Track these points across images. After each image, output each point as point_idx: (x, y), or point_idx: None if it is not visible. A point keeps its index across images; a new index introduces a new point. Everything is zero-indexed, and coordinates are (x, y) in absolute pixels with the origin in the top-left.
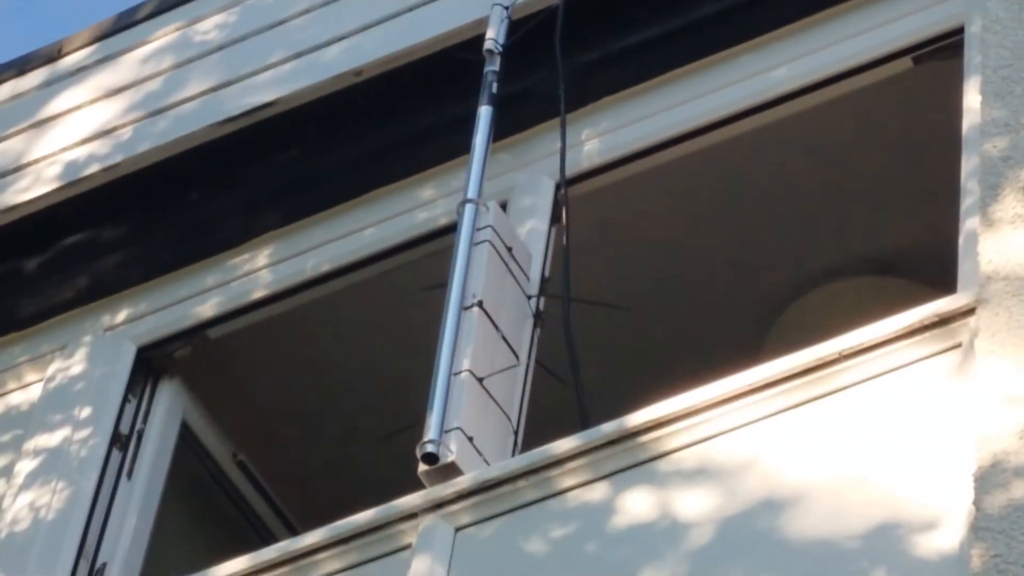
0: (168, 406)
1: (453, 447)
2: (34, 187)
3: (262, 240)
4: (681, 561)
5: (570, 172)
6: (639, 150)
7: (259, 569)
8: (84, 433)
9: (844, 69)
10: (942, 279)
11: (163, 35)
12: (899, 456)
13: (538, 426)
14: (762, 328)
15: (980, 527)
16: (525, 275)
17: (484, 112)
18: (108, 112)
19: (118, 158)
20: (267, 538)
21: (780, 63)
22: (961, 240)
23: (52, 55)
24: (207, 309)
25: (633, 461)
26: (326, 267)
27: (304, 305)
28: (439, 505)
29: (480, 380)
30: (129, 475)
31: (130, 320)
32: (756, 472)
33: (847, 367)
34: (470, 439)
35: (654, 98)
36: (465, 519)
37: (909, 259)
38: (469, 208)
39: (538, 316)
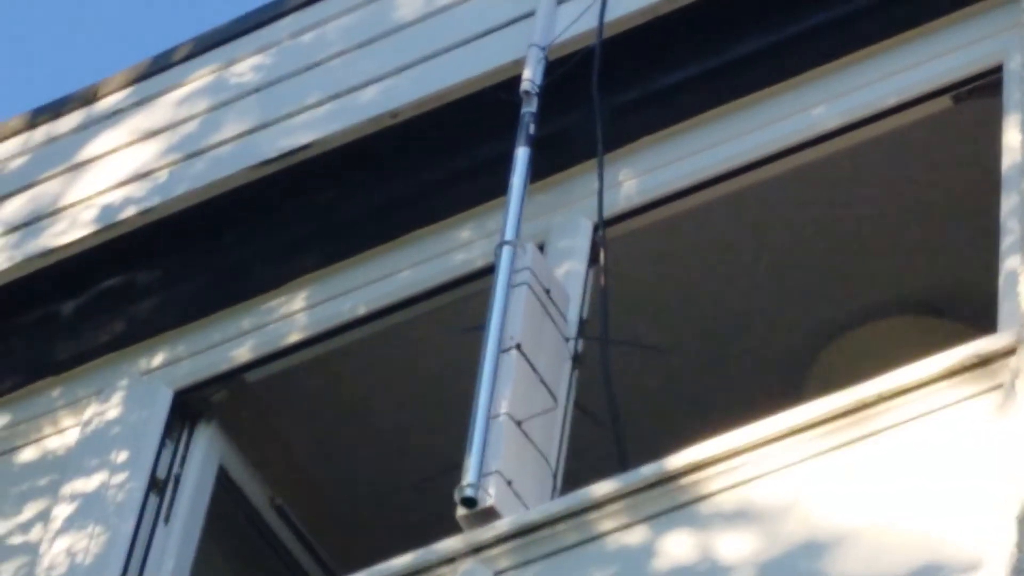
0: (205, 450)
1: (492, 491)
2: (70, 231)
3: (299, 283)
4: None
5: (608, 213)
6: (678, 190)
7: None
8: (121, 477)
9: (883, 108)
10: (982, 318)
11: (199, 77)
12: (940, 498)
13: (577, 469)
14: (802, 369)
15: (1022, 569)
16: (563, 317)
17: (521, 153)
18: (144, 155)
19: (154, 201)
20: None
21: (819, 102)
22: (1001, 279)
23: (88, 98)
24: (244, 353)
25: (673, 504)
26: (363, 310)
27: (341, 348)
28: (478, 549)
29: (519, 423)
30: (166, 520)
31: (167, 364)
32: (796, 514)
33: (887, 408)
34: (509, 482)
35: (692, 138)
36: (504, 563)
37: (949, 298)
38: (507, 250)
39: (576, 358)
